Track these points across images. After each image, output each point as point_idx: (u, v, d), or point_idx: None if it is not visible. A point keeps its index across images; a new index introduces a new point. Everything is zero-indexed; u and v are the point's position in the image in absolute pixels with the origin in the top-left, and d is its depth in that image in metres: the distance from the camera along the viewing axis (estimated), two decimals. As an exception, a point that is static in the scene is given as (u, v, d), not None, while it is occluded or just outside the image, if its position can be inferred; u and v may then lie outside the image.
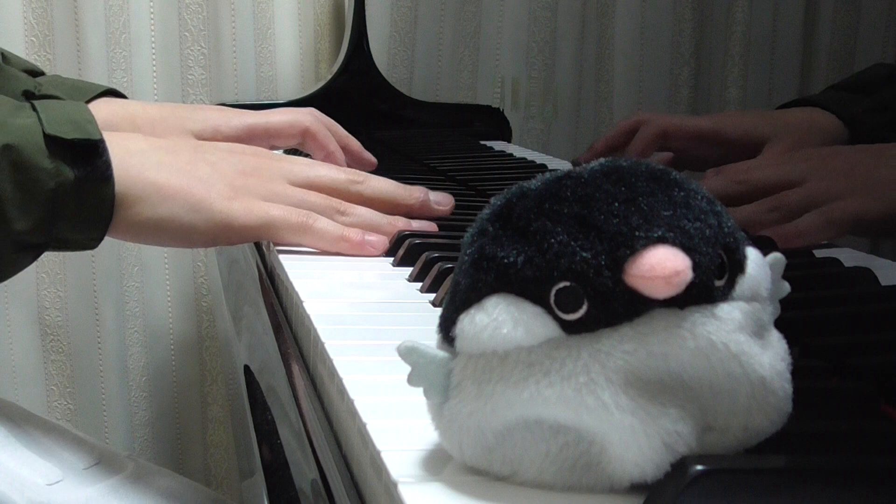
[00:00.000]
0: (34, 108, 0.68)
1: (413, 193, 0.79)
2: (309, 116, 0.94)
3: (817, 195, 0.76)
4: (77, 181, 0.67)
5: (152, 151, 0.72)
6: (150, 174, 0.70)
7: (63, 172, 0.66)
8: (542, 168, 1.13)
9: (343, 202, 0.75)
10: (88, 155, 0.67)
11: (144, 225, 0.70)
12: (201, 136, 0.90)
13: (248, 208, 0.71)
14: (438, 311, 0.36)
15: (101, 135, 0.68)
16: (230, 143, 0.81)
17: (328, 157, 0.93)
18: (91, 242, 0.70)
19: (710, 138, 1.05)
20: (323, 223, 0.72)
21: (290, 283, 0.64)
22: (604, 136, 1.12)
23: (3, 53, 0.93)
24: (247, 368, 0.65)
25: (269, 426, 0.53)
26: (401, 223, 0.76)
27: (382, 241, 0.73)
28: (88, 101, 0.90)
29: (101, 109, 0.86)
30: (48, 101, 0.70)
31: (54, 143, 0.66)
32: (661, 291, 0.32)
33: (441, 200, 0.80)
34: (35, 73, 0.95)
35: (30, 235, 0.67)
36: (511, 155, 1.26)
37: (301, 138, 0.93)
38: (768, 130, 1.02)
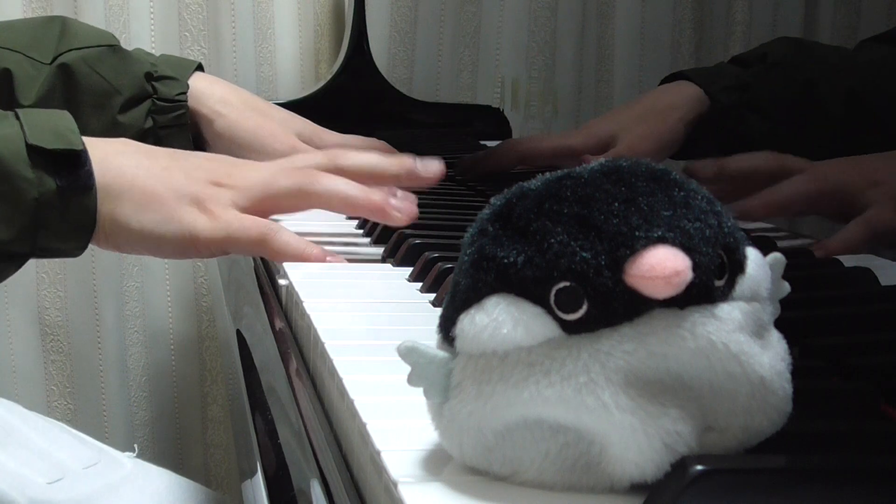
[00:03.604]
0: (17, 117, 0.67)
1: (400, 162, 0.75)
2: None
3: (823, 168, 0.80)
4: (59, 191, 0.66)
5: (131, 154, 0.72)
6: (128, 173, 0.69)
7: (45, 182, 0.66)
8: (542, 168, 1.13)
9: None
10: (71, 165, 0.67)
11: (122, 229, 0.70)
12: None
13: (213, 223, 0.70)
14: (438, 311, 0.36)
15: (83, 144, 0.67)
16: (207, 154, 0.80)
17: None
18: (75, 251, 0.70)
19: (566, 154, 0.99)
20: (286, 236, 0.70)
21: (290, 283, 0.64)
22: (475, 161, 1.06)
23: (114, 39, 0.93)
24: (239, 333, 0.66)
25: (269, 426, 0.53)
26: (377, 195, 0.72)
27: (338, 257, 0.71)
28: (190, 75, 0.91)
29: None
30: (31, 111, 0.70)
31: (36, 153, 0.66)
32: (661, 291, 0.32)
33: (429, 166, 0.76)
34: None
35: (13, 245, 0.66)
36: (511, 155, 1.26)
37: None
38: (615, 128, 1.00)
